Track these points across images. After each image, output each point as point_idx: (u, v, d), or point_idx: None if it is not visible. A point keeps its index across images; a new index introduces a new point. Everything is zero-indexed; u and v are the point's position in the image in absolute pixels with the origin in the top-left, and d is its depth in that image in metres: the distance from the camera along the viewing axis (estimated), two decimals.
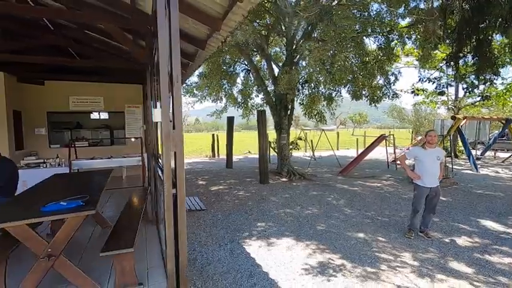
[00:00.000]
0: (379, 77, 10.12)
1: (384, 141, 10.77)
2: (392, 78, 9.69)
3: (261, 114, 8.72)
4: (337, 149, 18.46)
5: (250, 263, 3.43)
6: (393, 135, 11.73)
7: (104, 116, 10.35)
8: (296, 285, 3.00)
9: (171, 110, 1.69)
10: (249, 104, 12.65)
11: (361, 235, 4.29)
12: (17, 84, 7.16)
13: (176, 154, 1.62)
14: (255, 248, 3.88)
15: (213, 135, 15.90)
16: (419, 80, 10.75)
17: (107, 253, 2.23)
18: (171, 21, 1.70)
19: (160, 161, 3.49)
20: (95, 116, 10.22)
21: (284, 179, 8.83)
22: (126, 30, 4.28)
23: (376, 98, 9.86)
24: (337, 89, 11.61)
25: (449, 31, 8.63)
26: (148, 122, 6.66)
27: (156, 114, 1.57)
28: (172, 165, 1.72)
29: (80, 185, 3.29)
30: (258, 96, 12.86)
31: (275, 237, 4.23)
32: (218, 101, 12.36)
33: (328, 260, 3.52)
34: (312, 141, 13.75)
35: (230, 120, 11.34)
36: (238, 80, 13.63)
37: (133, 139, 7.56)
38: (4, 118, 6.58)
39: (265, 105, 12.90)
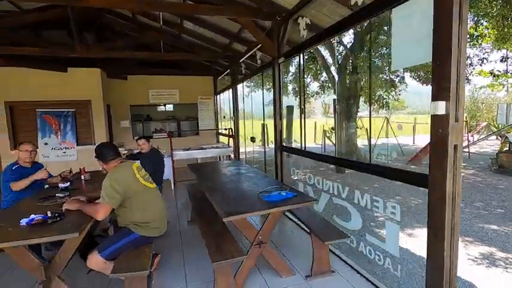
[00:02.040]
0: None
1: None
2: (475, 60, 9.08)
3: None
4: (386, 137, 17.87)
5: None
6: (467, 121, 11.12)
7: (169, 107, 10.73)
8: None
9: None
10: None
11: (494, 227, 4.16)
12: (107, 79, 7.55)
13: (457, 147, 1.62)
14: None
15: (262, 124, 15.92)
16: (502, 59, 10.00)
17: (329, 242, 2.31)
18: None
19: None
20: (161, 108, 10.63)
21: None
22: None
23: None
24: (401, 73, 11.17)
25: None
26: (237, 113, 6.79)
27: (440, 106, 1.56)
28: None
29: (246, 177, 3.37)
30: (316, 83, 12.70)
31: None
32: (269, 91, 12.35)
33: (488, 252, 3.46)
34: (366, 129, 13.40)
35: (290, 109, 11.29)
36: (292, 69, 13.54)
37: (223, 130, 7.74)
38: (102, 112, 7.01)
39: (327, 92, 12.70)
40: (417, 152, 9.85)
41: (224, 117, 8.83)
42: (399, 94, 11.47)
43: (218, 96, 9.05)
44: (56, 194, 2.55)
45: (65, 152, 6.70)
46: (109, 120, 7.68)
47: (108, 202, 2.02)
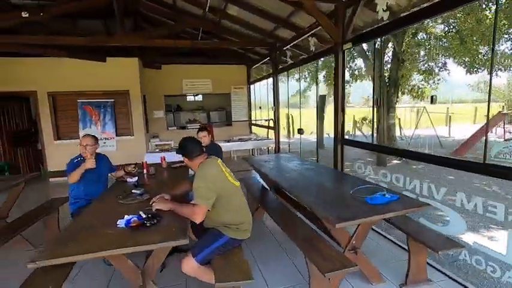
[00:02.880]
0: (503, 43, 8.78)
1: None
2: None
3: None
4: (416, 128, 17.13)
5: None
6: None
7: (198, 98, 10.59)
8: None
9: None
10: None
11: None
12: (142, 69, 7.44)
13: None
14: None
15: (287, 114, 15.62)
16: None
17: (442, 251, 2.07)
18: None
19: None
20: (190, 98, 10.51)
21: (397, 161, 8.34)
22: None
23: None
24: (441, 60, 10.47)
25: None
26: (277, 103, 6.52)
27: None
28: None
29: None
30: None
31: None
32: (302, 80, 11.97)
33: None
34: (399, 119, 12.82)
35: (322, 98, 10.89)
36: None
37: (263, 121, 7.53)
38: (140, 102, 6.93)
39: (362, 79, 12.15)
40: (467, 141, 9.24)
41: (260, 107, 8.59)
42: (438, 83, 10.76)
43: (252, 85, 8.80)
44: (133, 191, 2.41)
45: (105, 143, 6.70)
46: (144, 110, 7.62)
47: (204, 203, 1.85)
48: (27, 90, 6.18)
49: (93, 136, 2.86)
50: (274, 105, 6.37)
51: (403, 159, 8.49)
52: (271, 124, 6.67)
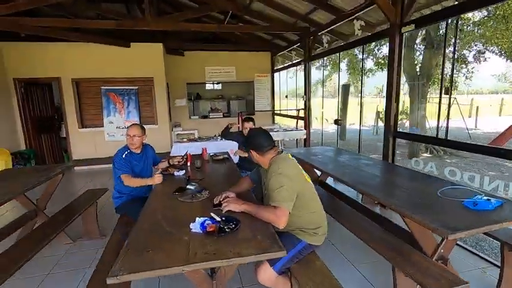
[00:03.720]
0: None
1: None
2: None
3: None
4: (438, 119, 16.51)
5: None
6: None
7: (217, 86, 10.27)
8: None
9: None
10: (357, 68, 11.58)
11: None
12: (165, 55, 7.18)
13: None
14: None
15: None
16: None
17: None
18: None
19: None
20: (209, 86, 10.20)
21: (427, 154, 7.96)
22: None
23: None
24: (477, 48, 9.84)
25: None
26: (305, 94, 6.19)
27: None
28: None
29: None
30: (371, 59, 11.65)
31: None
32: (322, 68, 11.51)
33: None
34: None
35: (346, 87, 10.45)
36: None
37: (289, 110, 7.20)
38: (164, 90, 6.71)
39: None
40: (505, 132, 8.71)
41: (286, 96, 8.26)
42: (472, 72, 10.16)
43: (276, 74, 8.45)
44: (188, 187, 2.19)
45: None
46: (167, 98, 7.40)
47: (287, 206, 1.60)
48: (51, 76, 6.01)
49: (141, 125, 2.64)
50: (305, 94, 6.05)
51: (435, 152, 8.12)
52: (301, 114, 6.38)
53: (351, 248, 2.67)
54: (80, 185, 5.26)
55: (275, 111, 8.45)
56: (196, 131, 7.53)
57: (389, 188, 2.20)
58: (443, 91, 3.08)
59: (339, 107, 10.71)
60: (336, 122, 5.07)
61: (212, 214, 1.64)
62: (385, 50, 11.53)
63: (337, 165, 2.94)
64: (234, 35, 7.79)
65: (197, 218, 1.60)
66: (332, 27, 4.97)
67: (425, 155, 8.02)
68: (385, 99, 3.67)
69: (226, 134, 3.57)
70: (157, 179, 2.43)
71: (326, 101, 7.21)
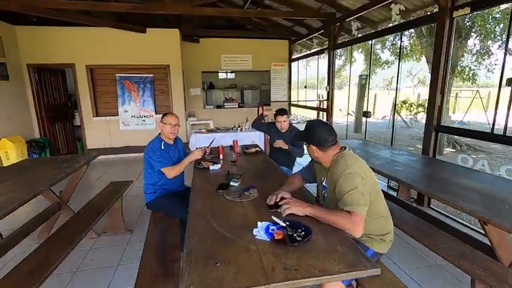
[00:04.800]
0: None
1: None
2: None
3: None
4: (453, 112, 16.06)
5: None
6: None
7: (230, 75, 9.98)
8: None
9: None
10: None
11: None
12: (181, 42, 6.90)
13: None
14: None
15: (317, 94, 14.85)
16: None
17: None
18: None
19: None
20: (222, 75, 9.92)
21: (450, 149, 7.67)
22: None
23: None
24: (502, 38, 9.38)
25: None
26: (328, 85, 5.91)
27: None
28: None
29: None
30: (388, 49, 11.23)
31: None
32: (337, 58, 11.13)
33: None
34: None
35: (363, 78, 10.10)
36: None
37: (316, 103, 6.95)
38: (180, 78, 6.48)
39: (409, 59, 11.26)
40: None
41: (305, 86, 7.97)
42: (495, 64, 9.69)
43: (293, 63, 8.14)
44: (230, 183, 1.99)
45: (144, 121, 6.35)
46: (183, 87, 7.17)
47: (362, 210, 1.39)
48: (65, 62, 5.80)
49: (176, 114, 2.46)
50: (328, 84, 5.77)
51: (458, 147, 7.83)
52: (323, 106, 6.11)
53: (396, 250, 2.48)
54: (96, 175, 5.12)
55: (292, 102, 8.18)
56: (211, 121, 7.31)
57: (457, 190, 1.97)
58: (503, 82, 2.79)
59: (357, 97, 10.44)
60: (365, 114, 4.81)
61: (274, 218, 1.43)
62: (405, 41, 11.11)
63: (384, 161, 2.70)
64: (252, 21, 7.46)
65: (259, 223, 1.40)
66: (363, 12, 4.65)
67: (448, 149, 7.73)
68: (428, 89, 3.40)
69: (260, 125, 3.33)
70: (196, 153, 2.33)
71: (343, 93, 6.93)
